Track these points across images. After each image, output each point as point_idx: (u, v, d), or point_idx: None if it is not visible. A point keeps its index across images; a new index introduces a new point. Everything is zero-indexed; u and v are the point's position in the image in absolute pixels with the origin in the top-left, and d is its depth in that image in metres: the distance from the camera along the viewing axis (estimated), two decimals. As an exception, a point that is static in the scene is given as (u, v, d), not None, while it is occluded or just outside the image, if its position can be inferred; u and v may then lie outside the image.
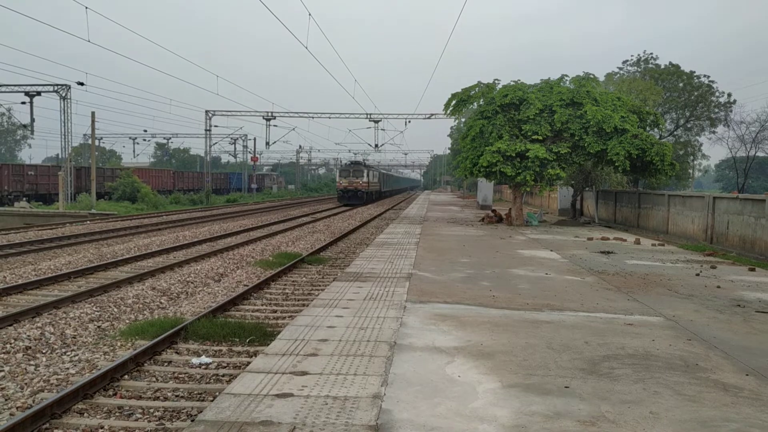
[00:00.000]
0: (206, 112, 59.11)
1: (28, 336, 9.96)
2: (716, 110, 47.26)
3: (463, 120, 47.75)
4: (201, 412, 5.51)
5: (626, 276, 13.69)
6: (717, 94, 46.79)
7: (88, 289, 13.45)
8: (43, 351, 9.43)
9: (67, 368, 8.69)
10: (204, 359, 9.21)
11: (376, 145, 64.61)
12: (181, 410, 7.31)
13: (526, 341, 7.81)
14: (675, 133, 48.07)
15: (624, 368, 6.74)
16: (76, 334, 10.42)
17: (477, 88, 29.13)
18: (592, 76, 28.94)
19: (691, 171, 56.43)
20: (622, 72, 48.38)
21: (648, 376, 6.46)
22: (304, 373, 6.32)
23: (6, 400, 7.44)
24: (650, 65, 47.74)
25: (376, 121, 58.57)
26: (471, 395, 5.80)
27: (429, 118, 55.74)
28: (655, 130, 33.26)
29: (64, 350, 9.54)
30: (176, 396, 7.84)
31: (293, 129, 72.41)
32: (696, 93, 46.52)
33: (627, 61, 49.02)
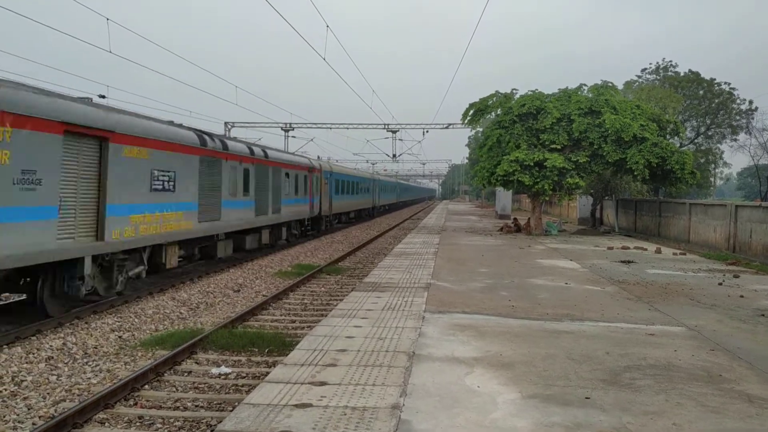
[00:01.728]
0: (225, 123, 59.57)
1: (51, 346, 10.06)
2: (737, 118, 46.78)
3: (480, 130, 47.72)
4: (220, 422, 5.52)
5: (647, 285, 13.55)
6: (738, 101, 46.35)
7: (109, 300, 13.56)
8: (65, 361, 9.52)
9: (89, 378, 8.77)
10: (223, 369, 9.24)
11: (394, 155, 64.67)
12: (200, 420, 7.34)
13: (546, 351, 7.75)
14: (695, 141, 47.63)
15: (646, 379, 6.66)
16: (97, 344, 10.51)
17: (495, 98, 29.11)
18: (610, 85, 28.79)
19: (712, 179, 55.86)
20: (641, 80, 48.10)
21: (670, 387, 6.37)
22: (322, 384, 6.32)
23: (29, 409, 7.52)
24: (669, 73, 47.40)
25: (394, 132, 58.57)
26: (490, 406, 5.76)
27: (447, 127, 55.61)
28: (675, 138, 32.98)
29: (85, 360, 9.63)
30: (196, 406, 7.87)
31: (311, 140, 72.78)
32: (717, 100, 46.08)
33: (646, 69, 48.75)
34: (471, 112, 29.47)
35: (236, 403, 6.94)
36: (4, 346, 9.90)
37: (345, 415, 5.44)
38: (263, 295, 15.47)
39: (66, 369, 9.15)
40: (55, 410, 7.50)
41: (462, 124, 31.41)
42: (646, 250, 21.89)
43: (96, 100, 15.57)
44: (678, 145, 35.68)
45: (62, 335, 10.76)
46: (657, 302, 11.50)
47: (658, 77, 47.45)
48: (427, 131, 58.42)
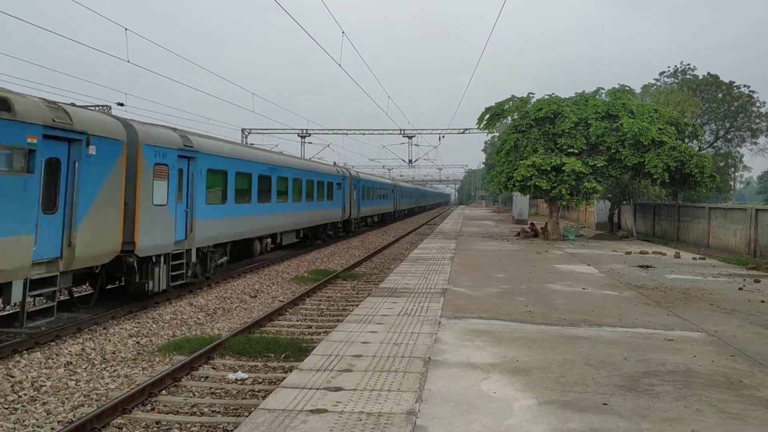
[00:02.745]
0: (242, 130, 59.94)
1: (70, 351, 10.16)
2: (757, 120, 46.26)
3: (497, 134, 47.60)
4: (236, 427, 5.55)
5: (666, 290, 13.42)
6: (758, 104, 45.83)
7: (128, 305, 13.67)
8: (84, 366, 9.61)
9: (107, 383, 8.84)
10: (240, 374, 9.28)
11: (410, 161, 64.71)
12: (217, 425, 7.37)
13: (562, 357, 7.69)
14: (715, 144, 47.16)
15: (664, 385, 6.58)
16: (115, 349, 10.59)
17: (511, 102, 29.03)
18: (628, 89, 28.60)
19: (732, 183, 55.23)
20: (658, 84, 47.75)
21: (690, 393, 6.30)
22: (338, 389, 6.32)
23: (48, 414, 7.59)
24: (688, 76, 46.99)
25: (410, 137, 58.63)
26: (507, 412, 5.72)
27: (463, 132, 55.57)
28: (694, 141, 32.68)
29: (104, 365, 9.70)
30: (212, 411, 7.91)
31: (328, 146, 73.01)
32: (736, 103, 45.61)
33: (664, 72, 48.40)
34: (487, 116, 29.40)
35: (252, 409, 6.96)
36: (24, 352, 10.01)
37: (360, 420, 5.43)
38: (279, 301, 15.52)
39: (84, 374, 9.23)
40: (74, 415, 7.57)
41: (478, 128, 31.33)
42: (664, 254, 21.69)
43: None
44: (697, 148, 35.36)
45: (81, 341, 10.85)
46: (676, 307, 11.37)
47: (677, 80, 47.06)
48: (443, 136, 58.36)
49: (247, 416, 6.22)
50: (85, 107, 12.88)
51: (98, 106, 15.48)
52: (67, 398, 8.17)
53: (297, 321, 13.44)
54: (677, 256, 21.30)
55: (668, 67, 53.18)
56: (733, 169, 51.41)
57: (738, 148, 48.98)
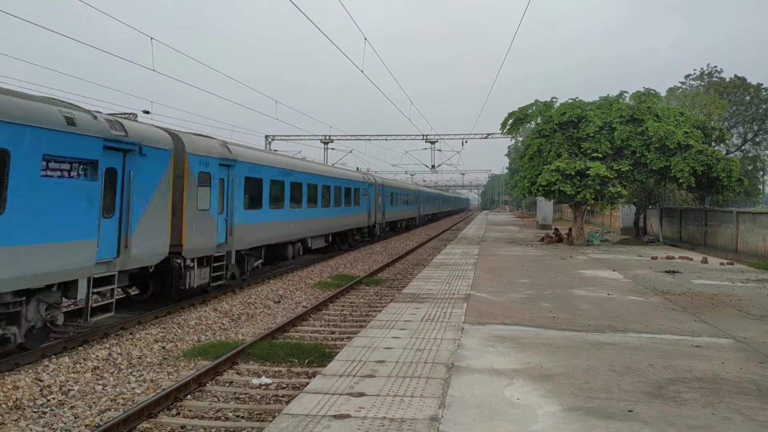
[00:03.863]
0: (266, 137, 60.35)
1: (97, 356, 10.30)
2: (787, 123, 45.44)
3: (520, 139, 47.34)
4: (260, 432, 5.58)
5: (693, 296, 13.23)
6: (788, 106, 45.03)
7: (153, 311, 13.83)
8: (111, 371, 9.74)
9: (133, 388, 8.95)
10: (264, 380, 9.33)
11: (433, 166, 64.60)
12: (241, 430, 7.42)
13: (587, 363, 7.63)
14: (743, 147, 46.42)
15: (691, 392, 6.49)
16: (141, 354, 10.72)
17: (534, 107, 28.89)
18: (653, 92, 28.27)
19: (761, 187, 54.24)
20: (684, 87, 47.15)
21: (717, 401, 6.20)
22: (361, 395, 6.33)
23: (75, 418, 7.71)
24: (714, 79, 46.36)
25: (433, 142, 58.51)
26: (530, 418, 5.68)
27: (486, 137, 55.36)
28: (721, 145, 32.15)
29: (130, 370, 9.83)
30: (237, 416, 7.96)
31: (350, 151, 73.27)
32: (764, 106, 44.87)
33: (690, 75, 47.80)
34: (510, 121, 29.29)
35: (276, 414, 7.00)
36: (53, 356, 10.20)
37: (383, 426, 5.44)
38: (303, 306, 15.59)
39: (111, 379, 9.35)
40: (101, 419, 7.67)
41: (501, 133, 31.21)
42: (691, 260, 21.38)
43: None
44: (724, 152, 34.83)
45: (108, 345, 11.00)
46: (703, 313, 11.21)
47: (703, 83, 46.45)
48: (466, 141, 58.11)
49: (270, 421, 6.27)
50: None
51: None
52: (94, 402, 8.28)
53: (320, 326, 13.48)
54: (704, 261, 20.98)
55: (694, 69, 52.53)
56: (761, 173, 50.51)
57: (766, 152, 48.15)
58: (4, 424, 7.46)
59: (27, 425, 7.44)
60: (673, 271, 17.75)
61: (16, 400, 8.16)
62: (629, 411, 5.86)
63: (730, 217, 26.17)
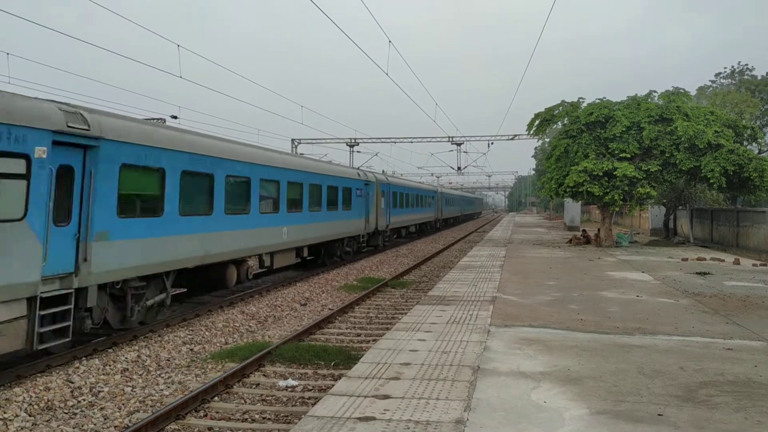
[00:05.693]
0: (292, 140, 60.74)
1: (126, 358, 10.44)
2: (821, 121, 44.45)
3: (547, 140, 46.95)
4: (286, 434, 5.59)
5: (724, 298, 12.99)
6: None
7: (182, 313, 13.98)
8: (140, 373, 9.86)
9: (161, 389, 9.04)
10: (290, 382, 9.37)
11: (459, 168, 64.42)
12: (267, 432, 7.45)
13: (615, 366, 7.52)
14: (776, 146, 45.47)
15: (723, 395, 6.36)
16: (170, 356, 10.84)
17: (561, 107, 28.64)
18: (682, 91, 27.83)
19: (795, 186, 53.04)
20: (714, 85, 46.40)
21: (750, 405, 6.07)
22: (386, 397, 6.32)
23: (105, 419, 7.82)
24: (746, 77, 45.54)
25: (459, 144, 58.34)
26: (557, 422, 5.62)
27: (512, 139, 55.01)
28: (754, 144, 31.58)
29: (158, 372, 9.94)
30: (263, 418, 8.00)
31: (376, 154, 73.31)
32: (798, 104, 43.99)
33: (720, 73, 47.05)
34: (537, 122, 29.07)
35: (302, 416, 7.02)
36: (83, 358, 10.35)
37: (408, 429, 5.41)
38: (329, 309, 15.63)
39: (140, 380, 9.47)
40: (130, 420, 7.77)
41: (528, 134, 30.99)
42: (723, 261, 21.00)
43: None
44: (756, 151, 34.15)
45: (137, 348, 11.14)
46: (735, 315, 10.99)
47: (734, 81, 45.65)
48: (492, 143, 57.77)
49: (296, 423, 6.28)
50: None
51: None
52: (123, 404, 8.39)
53: (346, 329, 13.50)
54: (736, 262, 20.60)
55: (725, 68, 51.59)
56: (795, 173, 49.43)
57: (800, 150, 47.14)
58: (36, 424, 7.59)
59: (58, 425, 7.57)
60: (704, 273, 17.45)
61: (48, 401, 8.31)
62: (659, 415, 5.76)
63: (763, 218, 25.63)
